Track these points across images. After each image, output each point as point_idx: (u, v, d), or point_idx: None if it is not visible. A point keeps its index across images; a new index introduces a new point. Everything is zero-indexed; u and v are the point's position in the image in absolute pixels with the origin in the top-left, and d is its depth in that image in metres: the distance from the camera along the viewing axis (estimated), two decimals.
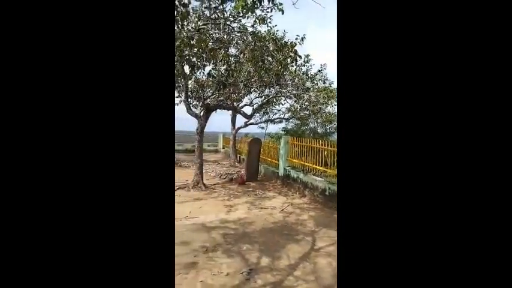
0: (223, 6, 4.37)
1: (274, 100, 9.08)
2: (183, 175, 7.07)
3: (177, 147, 12.56)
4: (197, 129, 6.07)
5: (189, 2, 3.70)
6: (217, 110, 8.90)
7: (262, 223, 3.67)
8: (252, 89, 7.68)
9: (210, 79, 6.08)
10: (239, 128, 9.61)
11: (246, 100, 8.40)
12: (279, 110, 10.32)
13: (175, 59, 4.87)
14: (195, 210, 4.14)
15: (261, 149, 7.10)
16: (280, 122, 12.35)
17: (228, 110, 7.32)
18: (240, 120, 9.98)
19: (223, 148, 12.21)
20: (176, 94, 7.13)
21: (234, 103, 7.44)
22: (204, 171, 7.93)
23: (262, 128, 14.53)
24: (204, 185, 5.80)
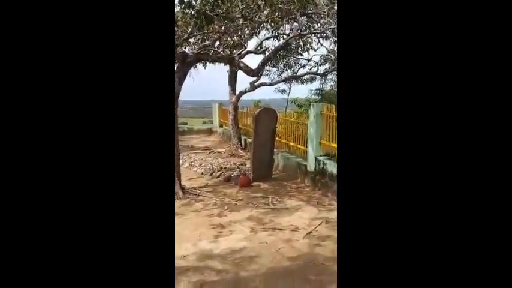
0: None
1: (301, 43, 8.37)
2: None
3: None
4: None
5: None
6: (202, 62, 8.42)
7: (271, 259, 3.24)
8: (260, 25, 7.02)
9: (185, 10, 5.52)
10: (242, 93, 9.05)
11: (251, 44, 7.76)
12: (309, 60, 9.59)
13: None
14: None
15: (277, 127, 6.57)
16: (312, 80, 11.68)
17: (219, 62, 6.75)
18: (245, 80, 9.39)
19: (220, 126, 11.83)
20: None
21: (229, 50, 6.84)
22: (187, 165, 7.67)
23: (284, 91, 13.94)
24: (183, 189, 5.46)
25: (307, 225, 4.12)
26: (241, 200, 5.14)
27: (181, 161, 7.85)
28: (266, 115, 6.15)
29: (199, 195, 5.39)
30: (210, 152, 9.02)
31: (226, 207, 4.77)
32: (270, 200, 5.07)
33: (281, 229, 3.97)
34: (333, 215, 4.44)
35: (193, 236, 3.80)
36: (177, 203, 4.99)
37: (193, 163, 7.64)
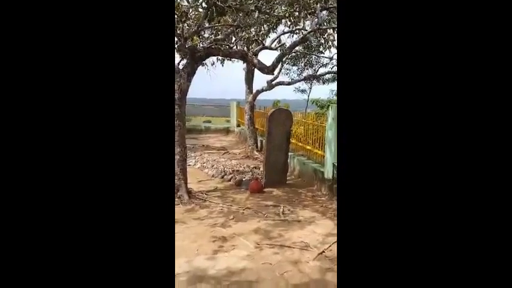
0: None
1: (322, 40, 7.79)
2: None
3: None
4: (177, 93, 5.18)
5: None
6: (220, 59, 7.99)
7: (272, 286, 2.73)
8: (278, 21, 6.50)
9: (196, 2, 5.11)
10: (259, 92, 8.57)
11: (270, 41, 7.25)
12: (331, 59, 8.98)
13: None
14: None
15: (292, 129, 6.05)
16: (334, 79, 11.02)
17: (231, 57, 6.31)
18: (264, 78, 8.89)
19: (238, 126, 11.39)
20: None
21: (246, 46, 6.38)
22: (198, 165, 7.27)
23: (304, 91, 13.34)
24: (189, 192, 5.06)
25: (320, 242, 3.59)
26: (249, 208, 4.66)
27: (193, 161, 7.50)
28: (280, 116, 5.64)
29: (205, 200, 4.97)
30: (224, 153, 8.61)
31: (232, 217, 4.31)
32: (281, 210, 4.57)
33: (290, 246, 3.46)
34: None
35: (191, 249, 3.36)
36: (181, 209, 4.58)
37: (205, 164, 7.24)
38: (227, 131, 12.16)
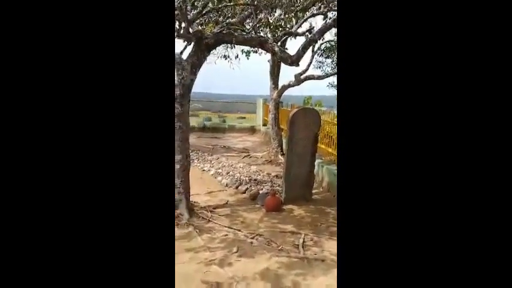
0: None
1: None
2: None
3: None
4: (178, 89, 4.23)
5: None
6: (244, 51, 6.99)
7: None
8: (305, 3, 5.38)
9: None
10: (286, 87, 7.48)
11: (296, 27, 6.12)
12: None
13: None
14: None
15: (319, 132, 4.93)
16: None
17: (247, 45, 5.28)
18: (290, 72, 7.80)
19: (264, 125, 10.37)
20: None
21: (266, 33, 5.32)
22: (213, 172, 6.30)
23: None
24: (191, 210, 4.12)
25: None
26: (261, 235, 3.64)
27: (208, 166, 6.57)
28: (305, 117, 4.53)
29: (209, 221, 4.00)
30: (245, 156, 7.63)
31: (236, 249, 3.31)
32: (301, 240, 3.51)
33: None
34: None
35: None
36: (176, 232, 3.65)
37: (220, 170, 6.29)
38: (253, 131, 11.19)
